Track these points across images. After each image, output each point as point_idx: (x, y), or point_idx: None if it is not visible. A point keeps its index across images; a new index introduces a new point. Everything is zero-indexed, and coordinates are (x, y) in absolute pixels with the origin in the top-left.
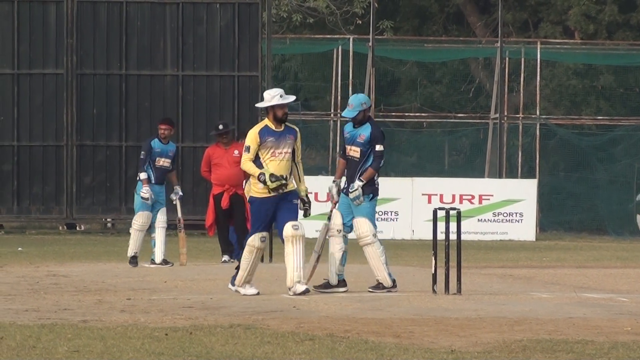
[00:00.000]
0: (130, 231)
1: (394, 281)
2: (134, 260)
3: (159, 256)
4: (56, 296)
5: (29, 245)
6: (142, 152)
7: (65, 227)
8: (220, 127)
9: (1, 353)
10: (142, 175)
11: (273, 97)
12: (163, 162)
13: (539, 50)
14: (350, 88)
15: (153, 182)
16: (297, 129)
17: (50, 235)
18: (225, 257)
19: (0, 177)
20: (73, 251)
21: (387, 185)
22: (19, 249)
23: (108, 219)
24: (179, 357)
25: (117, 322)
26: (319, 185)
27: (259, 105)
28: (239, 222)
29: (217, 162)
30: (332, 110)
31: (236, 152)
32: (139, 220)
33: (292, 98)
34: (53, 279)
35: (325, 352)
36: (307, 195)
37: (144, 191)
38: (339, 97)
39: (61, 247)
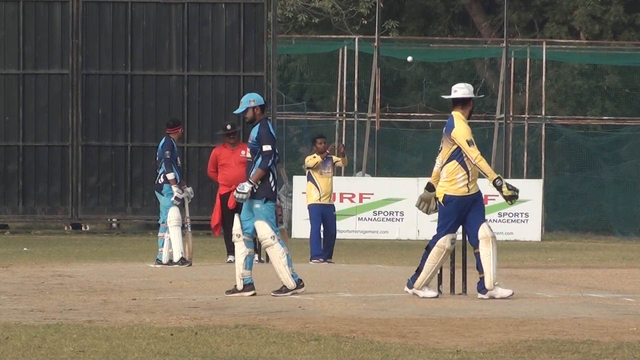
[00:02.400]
0: (163, 232)
1: (298, 281)
2: (184, 262)
3: (165, 256)
4: (61, 296)
5: (34, 245)
6: (167, 152)
7: (70, 227)
8: (228, 127)
9: (7, 353)
10: (171, 176)
11: (472, 90)
12: (178, 162)
13: (544, 51)
14: (355, 88)
15: (178, 181)
16: None
17: (55, 235)
18: (231, 258)
19: (5, 177)
20: (78, 251)
21: (392, 185)
22: (24, 249)
23: (113, 219)
24: (184, 357)
25: (122, 322)
26: None
27: (469, 95)
28: None
29: (224, 163)
30: (338, 111)
31: (243, 152)
32: (173, 215)
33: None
34: (58, 279)
35: (330, 353)
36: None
37: (179, 191)
38: (345, 98)
39: (66, 248)
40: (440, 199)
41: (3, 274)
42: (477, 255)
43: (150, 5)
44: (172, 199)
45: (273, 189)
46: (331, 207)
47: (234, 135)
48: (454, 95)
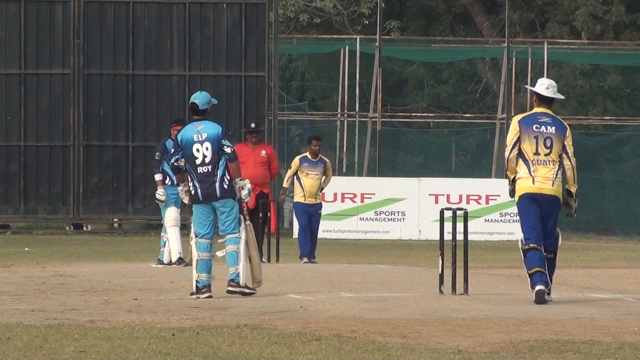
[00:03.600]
0: (165, 232)
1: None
2: (181, 261)
3: (167, 256)
4: (63, 296)
5: (35, 245)
6: (157, 153)
7: (72, 227)
8: (252, 125)
9: (8, 353)
10: (157, 177)
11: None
12: (179, 162)
13: (545, 51)
14: (357, 88)
15: (174, 183)
16: None
17: (57, 235)
18: None
19: (7, 178)
20: (80, 251)
21: (393, 185)
22: (26, 249)
23: (115, 219)
24: (185, 357)
25: (124, 322)
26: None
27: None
28: (260, 221)
29: (243, 161)
30: (339, 111)
31: (263, 152)
32: (171, 215)
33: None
34: (60, 279)
35: (332, 353)
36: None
37: (160, 193)
38: (346, 97)
39: (68, 248)
40: (561, 200)
41: (4, 274)
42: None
43: (151, 5)
44: (156, 199)
45: (192, 193)
46: (316, 206)
47: (257, 134)
48: (546, 93)
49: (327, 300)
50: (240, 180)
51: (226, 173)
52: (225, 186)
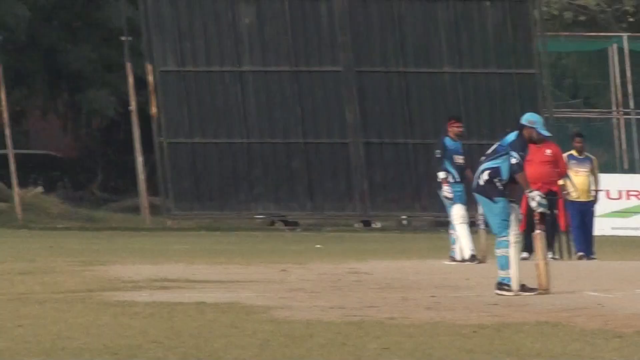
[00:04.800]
0: (453, 229)
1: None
2: (473, 259)
3: (458, 253)
4: (360, 293)
5: (325, 242)
6: (437, 151)
7: (361, 224)
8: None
9: (312, 350)
10: (441, 175)
11: None
12: (459, 159)
13: None
14: (629, 85)
15: (457, 180)
16: None
17: (346, 232)
18: (524, 254)
19: (290, 174)
20: (372, 248)
21: None
22: (317, 246)
23: (403, 217)
24: (489, 354)
25: (423, 319)
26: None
27: None
28: (549, 219)
29: (529, 159)
30: (614, 108)
31: (548, 151)
32: (457, 212)
33: None
34: (355, 276)
35: (635, 350)
36: None
37: (447, 190)
38: (619, 95)
39: (358, 245)
40: None
41: (300, 271)
42: None
43: (415, 4)
44: (442, 197)
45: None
46: (589, 204)
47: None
48: None
49: (624, 297)
50: (529, 192)
51: (486, 174)
52: (481, 182)
